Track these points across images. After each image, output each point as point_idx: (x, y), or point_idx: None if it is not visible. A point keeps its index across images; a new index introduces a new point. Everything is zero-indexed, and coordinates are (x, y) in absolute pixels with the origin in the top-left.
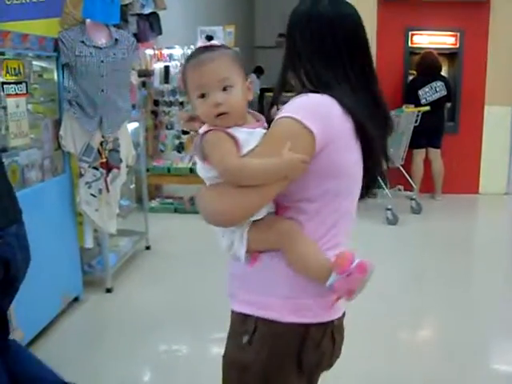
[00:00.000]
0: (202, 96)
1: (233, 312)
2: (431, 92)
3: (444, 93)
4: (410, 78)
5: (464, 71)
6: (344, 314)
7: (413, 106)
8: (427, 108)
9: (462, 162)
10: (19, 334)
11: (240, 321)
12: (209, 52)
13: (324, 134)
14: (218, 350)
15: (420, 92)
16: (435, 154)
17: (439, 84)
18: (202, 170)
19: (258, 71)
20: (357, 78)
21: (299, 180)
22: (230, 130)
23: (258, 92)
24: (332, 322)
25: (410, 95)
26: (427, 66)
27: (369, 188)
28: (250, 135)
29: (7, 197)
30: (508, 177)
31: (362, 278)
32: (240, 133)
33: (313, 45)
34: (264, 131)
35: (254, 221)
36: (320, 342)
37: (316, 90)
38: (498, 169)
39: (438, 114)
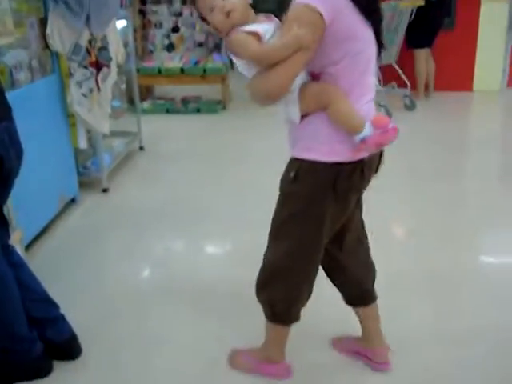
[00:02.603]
0: (211, 10)
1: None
2: None
3: None
4: None
5: None
6: (379, 153)
7: None
8: (422, 2)
9: (456, 59)
10: (18, 233)
11: (290, 162)
12: None
13: (330, 10)
14: (214, 245)
15: None
16: (429, 52)
17: None
18: (243, 69)
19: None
20: None
21: (321, 48)
22: (245, 28)
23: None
24: (361, 160)
25: None
26: None
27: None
28: (263, 27)
29: None
30: (502, 74)
31: (393, 137)
32: (254, 27)
33: None
34: (278, 23)
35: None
36: (350, 175)
37: None
38: (492, 66)
39: (443, 11)
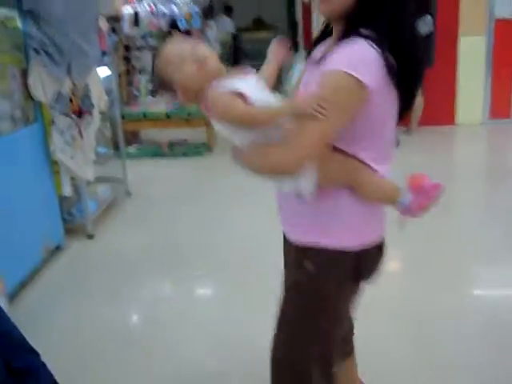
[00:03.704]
0: (182, 63)
1: (295, 243)
2: (423, 26)
3: (432, 28)
4: None
5: (438, 3)
6: None
7: None
8: None
9: (438, 94)
10: (1, 281)
11: (301, 250)
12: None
13: (372, 85)
14: (202, 288)
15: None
16: None
17: (429, 18)
18: (228, 133)
19: (228, 10)
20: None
21: (355, 129)
22: (225, 84)
23: (233, 31)
24: (383, 239)
25: None
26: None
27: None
28: (246, 83)
29: None
30: (483, 106)
31: (437, 195)
32: (235, 82)
33: None
34: (258, 78)
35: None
36: (375, 257)
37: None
38: (473, 99)
39: (424, 48)
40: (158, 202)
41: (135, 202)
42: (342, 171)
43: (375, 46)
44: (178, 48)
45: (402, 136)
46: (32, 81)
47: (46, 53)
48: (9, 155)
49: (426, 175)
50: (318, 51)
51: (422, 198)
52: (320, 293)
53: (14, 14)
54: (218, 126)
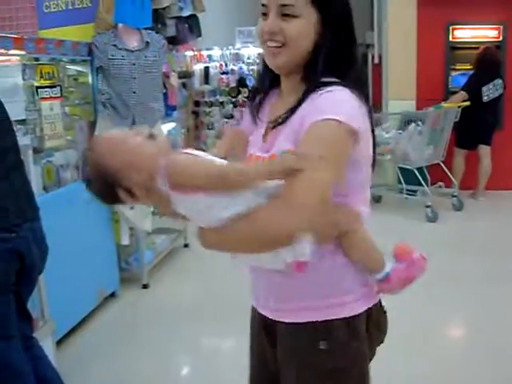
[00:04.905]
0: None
1: (292, 324)
2: (493, 89)
3: (502, 91)
4: (450, 73)
5: (508, 65)
6: None
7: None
8: (467, 103)
9: (506, 157)
10: (50, 325)
11: (310, 330)
12: None
13: (361, 131)
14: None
15: (484, 88)
16: (486, 150)
17: (500, 82)
18: (205, 211)
19: None
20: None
21: (348, 180)
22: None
23: None
24: (380, 300)
25: (471, 91)
26: (490, 62)
27: None
28: (198, 153)
29: (24, 197)
30: None
31: (422, 269)
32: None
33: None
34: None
35: None
36: (380, 316)
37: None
38: None
39: (493, 111)
40: (215, 255)
41: (192, 254)
42: (335, 218)
43: (356, 93)
44: (119, 133)
45: (466, 199)
46: (98, 133)
47: (113, 107)
48: (72, 202)
49: (414, 247)
50: (266, 110)
51: (406, 271)
52: (339, 369)
53: (86, 69)
54: (187, 205)
